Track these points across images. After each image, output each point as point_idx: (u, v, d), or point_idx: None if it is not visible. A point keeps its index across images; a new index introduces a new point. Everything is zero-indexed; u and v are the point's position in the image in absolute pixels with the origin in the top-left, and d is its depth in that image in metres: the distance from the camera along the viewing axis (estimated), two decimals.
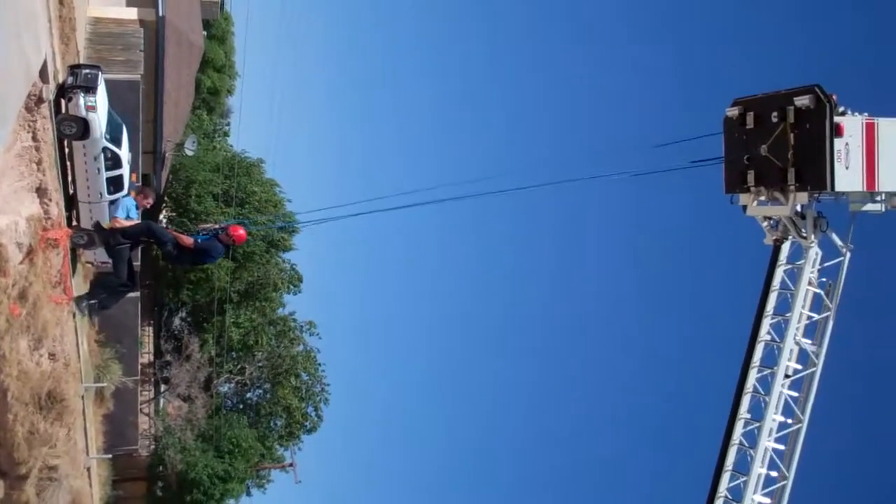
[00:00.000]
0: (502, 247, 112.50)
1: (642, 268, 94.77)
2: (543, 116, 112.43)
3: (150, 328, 39.18)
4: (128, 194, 23.23)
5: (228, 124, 54.16)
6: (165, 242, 17.56)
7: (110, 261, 18.48)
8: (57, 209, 18.11)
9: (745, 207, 16.61)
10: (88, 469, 24.38)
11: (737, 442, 16.62)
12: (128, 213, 18.69)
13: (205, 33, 41.33)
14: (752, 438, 16.59)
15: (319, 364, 40.82)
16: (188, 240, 17.50)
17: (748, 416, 16.64)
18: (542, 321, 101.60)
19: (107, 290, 18.75)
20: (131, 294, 29.46)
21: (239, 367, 39.17)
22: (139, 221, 18.72)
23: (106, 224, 18.75)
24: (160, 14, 30.00)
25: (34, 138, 16.84)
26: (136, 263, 28.50)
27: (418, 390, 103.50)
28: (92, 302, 18.99)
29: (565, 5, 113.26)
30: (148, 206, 20.24)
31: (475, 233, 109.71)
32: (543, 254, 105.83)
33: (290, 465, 41.42)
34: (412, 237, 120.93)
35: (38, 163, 17.11)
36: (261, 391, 40.55)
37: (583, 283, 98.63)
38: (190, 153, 37.12)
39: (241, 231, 18.05)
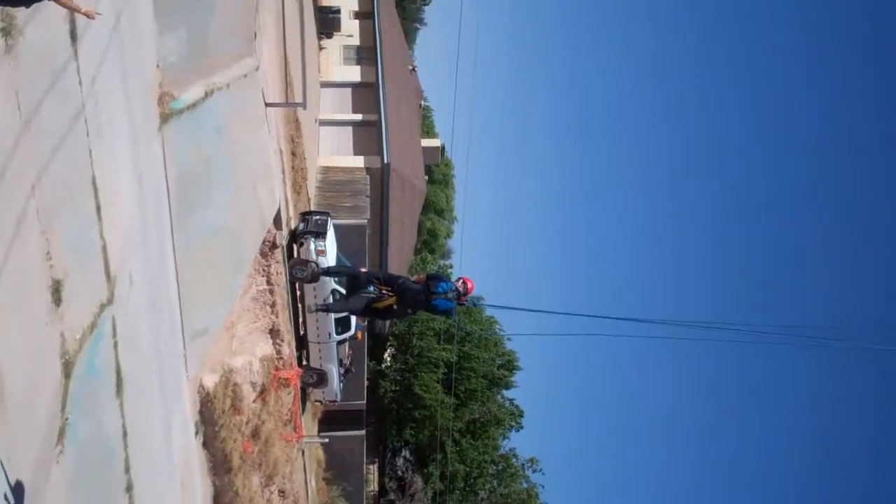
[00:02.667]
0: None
1: None
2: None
3: (375, 466, 39.65)
4: (354, 335, 24.04)
5: (451, 267, 55.47)
6: (399, 277, 18.05)
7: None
8: (288, 349, 18.77)
9: None
10: None
11: None
12: None
13: (426, 178, 42.88)
14: None
15: None
16: (421, 276, 17.97)
17: None
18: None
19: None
20: (356, 432, 30.01)
21: None
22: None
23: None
24: (385, 161, 31.39)
25: (268, 282, 17.65)
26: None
27: None
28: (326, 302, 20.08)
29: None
30: None
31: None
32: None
33: None
34: (639, 366, 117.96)
35: (272, 305, 17.87)
36: None
37: None
38: None
39: (471, 283, 18.42)
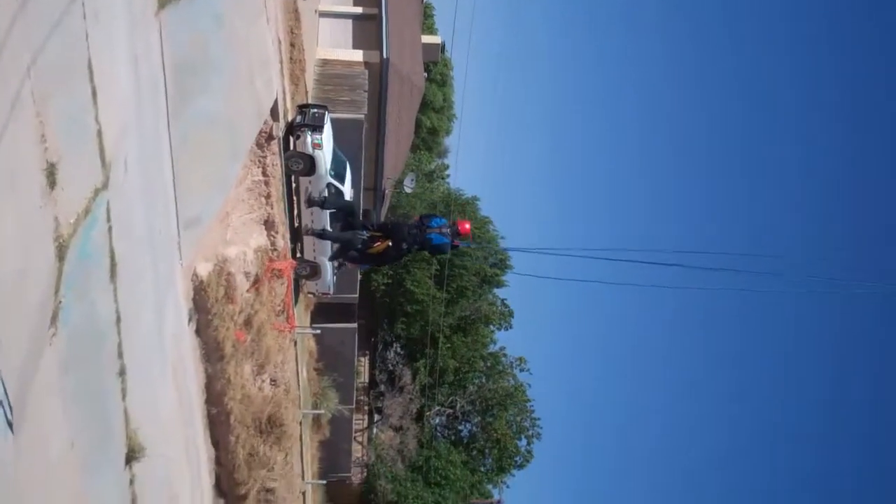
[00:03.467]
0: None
1: None
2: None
3: (366, 359, 40.30)
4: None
5: (447, 167, 55.17)
6: (391, 220, 18.48)
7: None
8: (283, 241, 18.88)
9: None
10: (303, 493, 25.13)
11: None
12: None
13: (426, 75, 42.38)
14: None
15: (529, 400, 40.63)
16: (415, 217, 18.35)
17: None
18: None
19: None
20: (348, 325, 30.42)
21: (450, 399, 39.57)
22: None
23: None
24: (384, 56, 30.97)
25: (264, 173, 17.65)
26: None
27: (632, 430, 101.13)
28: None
29: None
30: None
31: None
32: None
33: (498, 502, 41.18)
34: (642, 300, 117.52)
35: (267, 196, 17.90)
36: (470, 424, 40.77)
37: None
38: (408, 190, 38.11)
39: (467, 225, 18.85)
